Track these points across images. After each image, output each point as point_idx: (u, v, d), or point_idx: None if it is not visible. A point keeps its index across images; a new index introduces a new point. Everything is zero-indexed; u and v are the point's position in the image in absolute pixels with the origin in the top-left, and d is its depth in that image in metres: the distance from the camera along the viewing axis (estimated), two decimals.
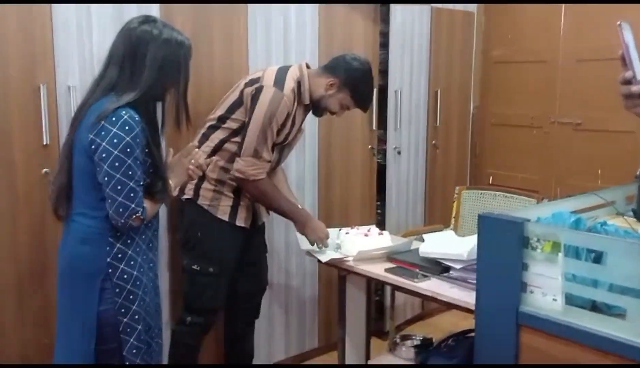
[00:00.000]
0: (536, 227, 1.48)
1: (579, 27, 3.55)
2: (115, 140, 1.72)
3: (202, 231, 2.47)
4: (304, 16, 3.03)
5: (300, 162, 3.11)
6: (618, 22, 1.35)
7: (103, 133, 1.72)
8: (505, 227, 1.50)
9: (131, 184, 1.75)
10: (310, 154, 3.15)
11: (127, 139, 1.73)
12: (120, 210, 1.75)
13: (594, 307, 1.42)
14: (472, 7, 3.96)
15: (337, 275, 2.69)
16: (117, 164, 1.73)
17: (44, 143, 2.25)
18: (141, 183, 1.79)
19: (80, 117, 1.80)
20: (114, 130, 1.72)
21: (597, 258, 1.40)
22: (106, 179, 1.73)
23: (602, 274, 1.37)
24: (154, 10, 2.46)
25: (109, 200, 1.75)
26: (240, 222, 2.52)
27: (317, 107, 2.55)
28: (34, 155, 2.25)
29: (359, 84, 2.50)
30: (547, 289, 1.45)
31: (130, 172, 1.74)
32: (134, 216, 1.77)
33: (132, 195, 1.76)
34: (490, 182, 4.01)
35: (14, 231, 2.24)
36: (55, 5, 2.24)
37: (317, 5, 3.06)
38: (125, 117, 1.73)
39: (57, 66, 2.27)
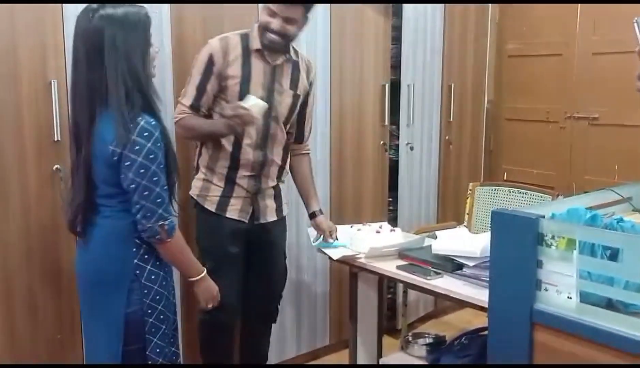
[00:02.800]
0: (551, 224, 1.45)
1: (595, 19, 3.49)
2: (137, 148, 1.69)
3: (196, 224, 2.43)
4: (316, 12, 3.00)
5: (312, 157, 3.08)
6: (634, 19, 1.33)
7: (124, 143, 1.69)
8: (519, 223, 1.47)
9: (157, 189, 1.73)
10: (322, 150, 3.13)
11: (148, 145, 1.70)
12: (148, 214, 1.73)
13: (610, 305, 1.39)
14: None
15: (349, 272, 2.67)
16: (142, 170, 1.71)
17: (55, 139, 2.25)
18: (166, 188, 1.78)
19: (88, 134, 1.73)
20: (134, 137, 1.69)
21: (613, 255, 1.37)
22: (132, 186, 1.72)
23: (618, 271, 1.34)
24: (164, 9, 2.45)
25: (137, 206, 1.73)
26: (231, 213, 2.39)
27: (266, 44, 2.32)
28: (45, 151, 2.25)
29: None
30: (561, 287, 1.42)
31: (155, 178, 1.73)
32: (161, 222, 1.75)
33: (159, 200, 1.74)
34: (505, 178, 3.96)
35: (26, 227, 2.25)
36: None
37: None
38: (142, 123, 1.70)
39: (68, 62, 2.27)
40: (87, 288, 1.85)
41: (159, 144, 1.73)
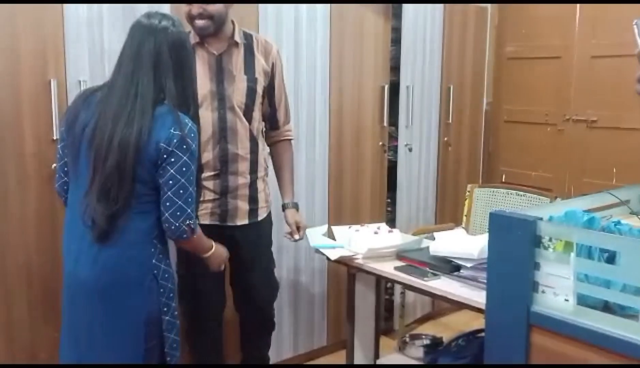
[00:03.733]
0: (548, 226, 1.45)
1: (594, 22, 3.50)
2: (184, 146, 1.75)
3: None
4: (315, 12, 3.01)
5: (310, 158, 3.09)
6: (634, 21, 1.33)
7: (173, 139, 1.73)
8: (516, 225, 1.47)
9: (191, 189, 1.78)
10: (321, 151, 3.13)
11: (193, 145, 1.77)
12: (178, 213, 1.77)
13: (607, 307, 1.39)
14: (485, 2, 3.91)
15: (347, 273, 2.67)
16: (184, 168, 1.75)
17: (54, 138, 2.25)
18: (196, 189, 1.83)
19: (138, 135, 1.72)
20: (182, 135, 1.74)
21: (610, 258, 1.37)
22: (170, 182, 1.74)
23: (615, 274, 1.35)
24: (165, 9, 2.45)
25: (167, 203, 1.76)
26: (203, 218, 2.29)
27: (199, 34, 2.26)
28: (45, 149, 2.25)
29: None
30: (559, 289, 1.42)
31: (192, 178, 1.78)
32: (188, 221, 1.79)
33: (190, 200, 1.78)
34: (503, 179, 3.97)
35: (24, 225, 2.25)
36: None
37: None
38: (190, 124, 1.78)
39: (67, 61, 2.27)
40: (105, 291, 1.80)
41: (197, 149, 1.81)
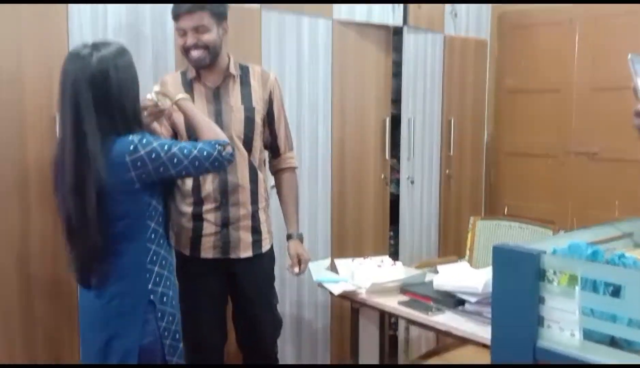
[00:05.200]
0: (552, 259, 1.44)
1: (594, 55, 3.54)
2: (144, 140, 1.77)
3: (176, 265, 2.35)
4: (317, 46, 3.05)
5: (312, 191, 3.09)
6: (628, 56, 1.35)
7: (133, 141, 1.75)
8: (520, 258, 1.46)
9: (181, 154, 1.80)
10: (323, 183, 3.14)
11: (150, 137, 1.81)
12: (205, 153, 1.82)
13: (613, 342, 1.37)
14: (485, 35, 3.96)
15: (350, 308, 2.65)
16: (165, 146, 1.79)
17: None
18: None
19: (99, 171, 1.73)
20: (137, 137, 1.77)
21: (616, 291, 1.35)
22: (172, 161, 1.78)
23: (621, 308, 1.33)
24: (169, 24, 2.45)
25: (190, 165, 1.80)
26: (205, 253, 2.28)
27: (195, 66, 2.29)
28: (49, 182, 2.23)
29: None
30: (564, 324, 1.41)
31: (172, 148, 1.80)
32: (220, 145, 1.85)
33: (190, 149, 1.81)
34: (506, 212, 3.96)
35: (25, 236, 2.23)
36: (71, 8, 2.26)
37: (330, 32, 3.08)
38: (132, 136, 1.78)
39: None
40: (99, 326, 1.82)
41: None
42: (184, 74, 2.35)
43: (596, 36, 3.51)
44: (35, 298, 2.26)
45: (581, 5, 3.57)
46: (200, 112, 2.08)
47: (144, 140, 1.76)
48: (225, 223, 2.30)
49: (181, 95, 2.07)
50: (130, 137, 1.75)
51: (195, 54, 2.22)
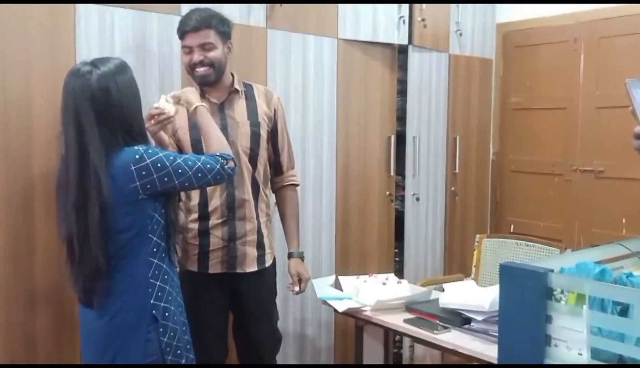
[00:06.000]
0: (560, 278, 1.43)
1: (598, 74, 3.54)
2: (150, 151, 1.78)
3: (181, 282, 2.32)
4: (322, 65, 3.07)
5: (317, 208, 3.09)
6: (625, 80, 1.36)
7: (139, 151, 1.76)
8: (527, 277, 1.45)
9: (185, 166, 1.81)
10: (328, 200, 3.14)
11: (155, 147, 1.85)
12: (208, 166, 1.83)
13: (621, 361, 1.35)
14: (489, 54, 3.97)
15: (354, 325, 2.63)
16: (171, 157, 1.80)
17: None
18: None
19: (102, 185, 1.73)
20: (142, 147, 1.78)
21: (624, 310, 1.34)
22: (176, 171, 1.79)
23: (629, 327, 1.32)
24: (176, 45, 2.47)
25: (193, 176, 1.81)
26: (213, 268, 2.29)
27: (200, 82, 2.31)
28: (54, 171, 2.23)
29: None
30: (571, 343, 1.39)
31: (177, 159, 1.81)
32: (223, 159, 1.87)
33: (194, 161, 1.83)
34: (512, 230, 3.94)
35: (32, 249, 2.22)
36: (78, 27, 2.28)
37: (335, 50, 3.10)
38: (137, 146, 1.79)
39: None
40: (102, 345, 1.81)
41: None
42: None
43: (601, 55, 3.51)
44: (38, 309, 2.25)
45: (585, 24, 3.58)
46: (215, 124, 2.10)
47: (150, 150, 1.78)
48: (232, 238, 2.31)
49: (201, 102, 2.12)
50: (136, 147, 1.77)
51: (200, 71, 2.25)
